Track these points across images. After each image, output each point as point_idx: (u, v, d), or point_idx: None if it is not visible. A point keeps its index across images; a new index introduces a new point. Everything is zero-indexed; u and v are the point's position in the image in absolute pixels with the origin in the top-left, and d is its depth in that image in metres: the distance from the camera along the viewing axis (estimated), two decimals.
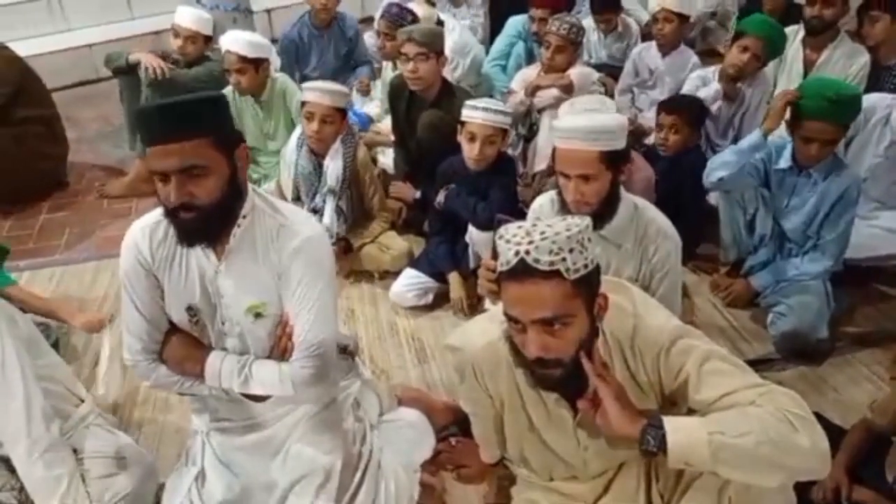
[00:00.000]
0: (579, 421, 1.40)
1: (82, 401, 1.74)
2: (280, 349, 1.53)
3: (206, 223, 1.41)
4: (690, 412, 1.30)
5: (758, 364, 2.18)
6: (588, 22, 4.03)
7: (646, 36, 4.00)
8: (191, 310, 1.53)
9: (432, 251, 2.70)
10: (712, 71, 3.10)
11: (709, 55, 4.30)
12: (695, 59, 3.55)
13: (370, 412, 1.85)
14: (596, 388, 1.28)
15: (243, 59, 2.96)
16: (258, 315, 1.52)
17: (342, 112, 2.65)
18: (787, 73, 3.23)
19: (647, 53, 3.61)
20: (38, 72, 3.45)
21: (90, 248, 3.17)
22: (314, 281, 1.51)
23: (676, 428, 1.20)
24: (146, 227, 1.50)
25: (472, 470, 1.84)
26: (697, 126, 2.82)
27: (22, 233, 3.23)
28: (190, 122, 1.34)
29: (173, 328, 1.56)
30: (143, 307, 1.51)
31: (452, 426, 2.01)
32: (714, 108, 3.00)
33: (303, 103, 2.64)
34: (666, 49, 3.52)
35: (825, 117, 2.19)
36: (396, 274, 2.74)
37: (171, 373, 1.55)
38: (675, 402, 1.35)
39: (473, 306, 2.57)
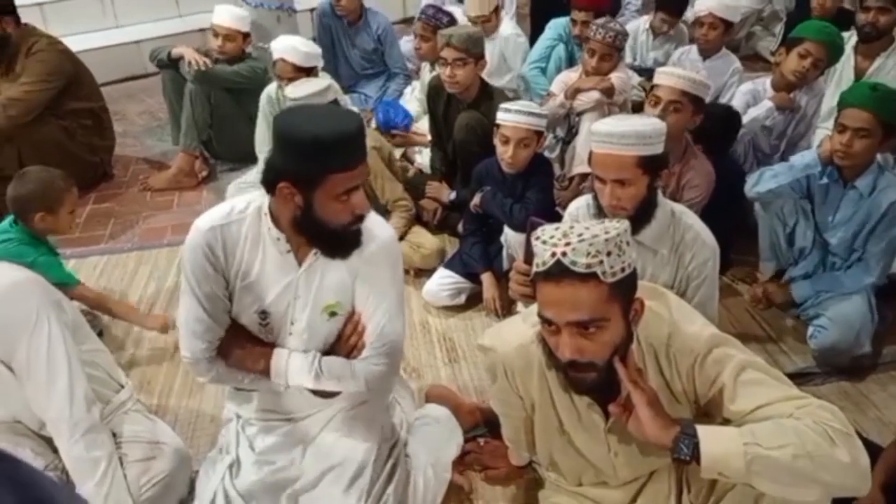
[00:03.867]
0: (611, 426, 1.39)
1: (122, 387, 1.78)
2: (349, 346, 1.56)
3: (361, 230, 1.52)
4: (725, 422, 1.28)
5: (797, 377, 2.13)
6: (634, 24, 3.99)
7: (691, 39, 3.95)
8: (263, 313, 1.56)
9: (466, 251, 2.70)
10: (762, 83, 3.01)
11: (752, 60, 4.23)
12: (737, 63, 3.48)
13: (407, 409, 1.86)
14: (629, 394, 1.27)
15: (297, 68, 2.99)
16: (333, 314, 1.56)
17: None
18: (837, 82, 3.16)
19: (686, 57, 3.55)
20: (89, 66, 3.55)
21: (133, 238, 3.25)
22: (388, 282, 1.57)
23: (710, 437, 1.18)
24: (217, 227, 1.50)
25: (501, 471, 1.84)
26: (723, 137, 2.74)
27: None
28: (366, 146, 1.46)
29: (234, 326, 1.58)
30: (208, 307, 1.52)
31: (480, 427, 2.01)
32: (767, 121, 2.92)
33: None
34: (707, 53, 3.46)
35: (862, 104, 2.12)
36: (430, 272, 2.75)
37: (230, 370, 1.57)
38: (709, 411, 1.33)
39: (506, 307, 2.57)
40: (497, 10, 3.81)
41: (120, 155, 3.92)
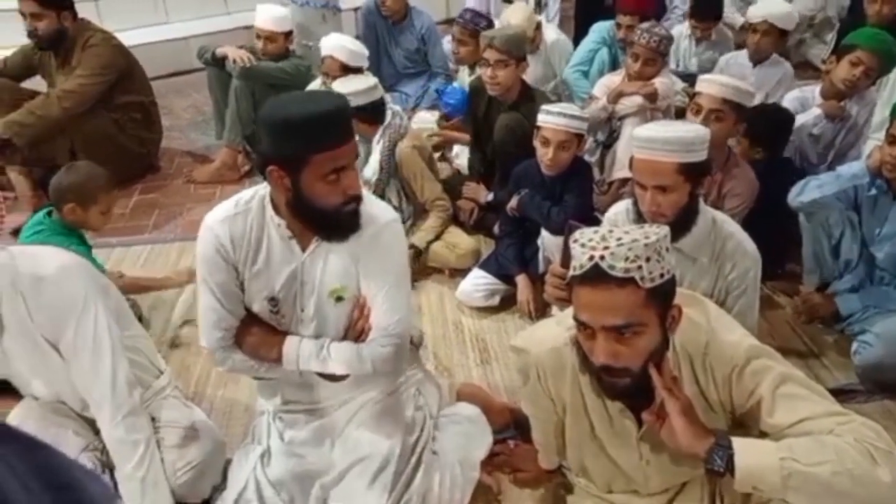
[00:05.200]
0: (643, 434, 1.37)
1: (161, 372, 1.82)
2: (357, 330, 1.59)
3: (358, 212, 1.53)
4: (762, 435, 1.25)
5: (838, 394, 2.06)
6: (678, 29, 3.94)
7: (737, 44, 3.88)
8: (272, 300, 1.59)
9: (501, 253, 2.70)
10: (811, 90, 2.94)
11: (801, 68, 4.13)
12: (787, 69, 3.40)
13: (430, 403, 1.87)
14: (663, 402, 1.25)
15: (344, 66, 3.03)
16: (339, 298, 1.58)
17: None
18: (890, 92, 3.06)
19: (736, 62, 3.48)
20: (139, 61, 3.65)
21: (176, 229, 3.32)
22: (390, 265, 1.58)
23: (746, 450, 1.16)
24: (225, 220, 1.55)
25: (530, 474, 1.84)
26: (771, 142, 2.68)
27: (116, 211, 3.37)
28: (351, 120, 1.49)
29: (248, 316, 1.61)
30: (222, 297, 1.56)
31: (510, 428, 2.01)
32: (815, 130, 2.85)
33: None
34: (758, 59, 3.39)
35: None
36: (464, 273, 2.75)
37: (246, 358, 1.61)
38: (745, 423, 1.31)
39: (540, 310, 2.55)
40: (539, 27, 3.80)
41: (166, 148, 4.02)
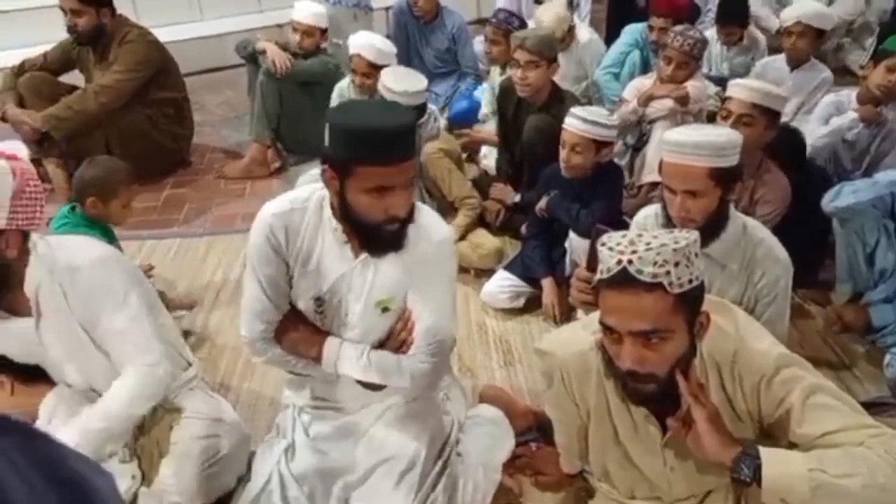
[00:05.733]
0: (668, 440, 1.36)
1: (190, 364, 1.85)
2: (398, 341, 1.59)
3: (406, 230, 1.52)
4: (790, 446, 1.23)
5: (870, 407, 2.02)
6: (711, 33, 3.89)
7: (773, 48, 3.81)
8: (318, 300, 1.59)
9: (528, 255, 2.69)
10: (847, 95, 2.88)
11: (840, 73, 4.05)
12: (826, 74, 3.32)
13: (457, 408, 1.87)
14: (689, 409, 1.24)
15: (371, 64, 3.06)
16: (385, 309, 1.59)
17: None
18: None
19: (772, 67, 3.42)
20: (174, 57, 3.70)
21: (206, 223, 3.37)
22: (440, 282, 1.58)
23: (774, 460, 1.14)
24: (281, 214, 1.55)
25: (551, 478, 1.83)
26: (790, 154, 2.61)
27: (148, 204, 3.47)
28: (414, 141, 1.46)
29: (292, 312, 1.62)
30: (269, 289, 1.57)
31: (532, 431, 2.00)
32: (850, 135, 2.80)
33: None
34: (795, 63, 3.33)
35: None
36: (490, 274, 2.75)
37: (285, 353, 1.62)
38: (773, 433, 1.29)
39: (565, 314, 2.54)
40: (571, 29, 3.78)
41: (197, 143, 4.07)
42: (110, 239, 2.40)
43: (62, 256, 1.53)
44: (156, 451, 1.67)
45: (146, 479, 1.66)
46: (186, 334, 2.43)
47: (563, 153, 2.44)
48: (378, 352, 1.58)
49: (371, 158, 1.38)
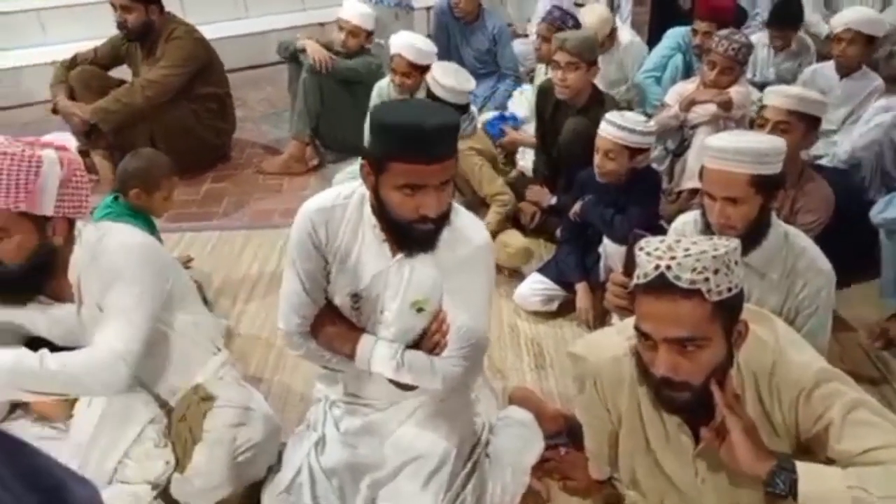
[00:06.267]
0: (700, 451, 1.34)
1: (219, 350, 1.88)
2: (431, 343, 1.59)
3: (440, 229, 1.50)
4: (829, 462, 1.20)
5: None
6: (757, 37, 3.81)
7: (822, 55, 3.72)
8: (355, 296, 1.60)
9: (562, 259, 2.67)
10: None
11: (892, 82, 3.92)
12: (878, 83, 3.22)
13: (488, 409, 1.87)
14: (724, 419, 1.22)
15: (412, 64, 3.07)
16: (420, 310, 1.59)
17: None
18: None
19: (821, 74, 3.33)
20: (218, 53, 3.78)
21: (244, 217, 3.43)
22: (476, 286, 1.58)
23: (811, 475, 1.12)
24: (323, 210, 1.57)
25: (579, 483, 1.82)
26: None
27: (188, 197, 3.55)
28: (454, 143, 1.43)
29: (328, 307, 1.64)
30: (307, 283, 1.59)
31: (561, 435, 1.98)
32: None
33: None
34: (845, 71, 3.24)
35: None
36: (522, 275, 2.74)
37: (320, 348, 1.64)
38: (811, 448, 1.25)
39: (599, 319, 2.52)
40: (613, 32, 3.74)
41: (238, 138, 4.14)
42: (152, 229, 2.46)
43: (103, 242, 1.57)
44: (189, 438, 1.69)
45: (179, 464, 1.69)
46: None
47: (596, 158, 2.42)
48: (411, 352, 1.58)
49: (404, 155, 1.37)
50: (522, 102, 3.90)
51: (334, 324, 1.62)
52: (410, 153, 1.36)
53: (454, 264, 1.56)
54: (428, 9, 5.32)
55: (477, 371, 1.63)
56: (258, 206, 3.52)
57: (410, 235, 1.48)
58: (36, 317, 1.60)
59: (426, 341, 1.60)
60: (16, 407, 1.73)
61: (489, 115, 3.81)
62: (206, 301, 2.58)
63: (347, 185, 1.62)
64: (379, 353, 1.58)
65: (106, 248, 1.57)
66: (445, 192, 1.44)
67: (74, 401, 1.66)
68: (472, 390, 1.84)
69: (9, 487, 0.52)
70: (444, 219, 1.49)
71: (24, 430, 1.70)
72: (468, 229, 1.59)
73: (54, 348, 1.55)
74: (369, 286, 1.59)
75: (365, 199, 1.57)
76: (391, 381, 1.60)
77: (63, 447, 1.64)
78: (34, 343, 1.55)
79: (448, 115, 1.44)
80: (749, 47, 3.00)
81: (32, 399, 1.57)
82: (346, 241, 1.57)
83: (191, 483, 1.68)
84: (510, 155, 3.57)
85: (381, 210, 1.48)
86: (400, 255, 1.56)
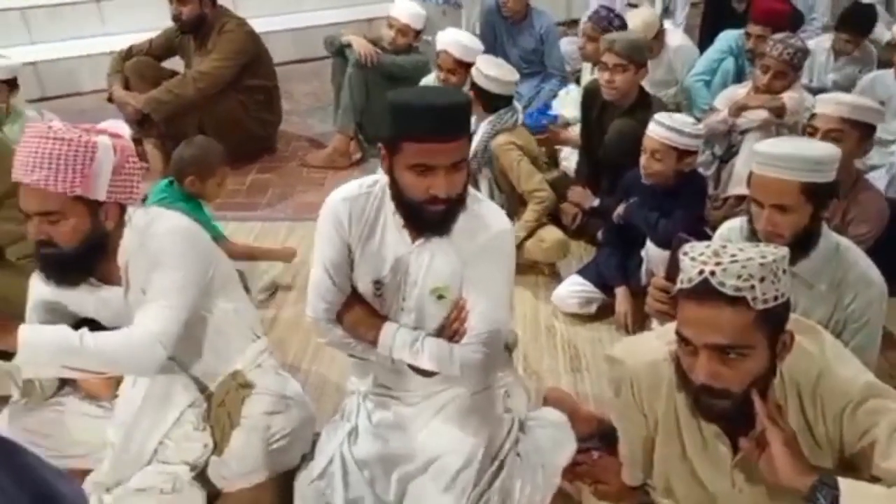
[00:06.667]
0: (738, 461, 1.31)
1: (259, 337, 1.91)
2: (451, 331, 1.60)
3: (453, 213, 1.53)
4: (873, 480, 1.17)
5: None
6: (815, 42, 3.70)
7: (882, 62, 3.59)
8: (377, 283, 1.63)
9: (603, 262, 2.64)
10: None
11: None
12: None
13: (518, 407, 1.86)
14: (764, 430, 1.19)
15: (458, 61, 3.08)
16: (440, 297, 1.60)
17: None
18: None
19: (881, 82, 3.22)
20: (267, 46, 3.85)
21: (287, 209, 3.48)
22: (496, 273, 1.58)
23: (854, 492, 1.09)
24: (348, 199, 1.61)
25: (611, 488, 1.79)
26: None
27: (234, 187, 3.61)
28: (466, 122, 1.47)
29: (354, 295, 1.67)
30: (332, 271, 1.62)
31: (594, 438, 1.96)
32: None
33: None
34: None
35: None
36: (559, 276, 2.72)
37: (346, 335, 1.66)
38: (855, 464, 1.22)
39: (638, 324, 2.48)
40: (659, 35, 3.68)
41: (283, 131, 4.21)
42: (204, 215, 2.53)
43: (154, 228, 1.61)
44: (227, 423, 1.73)
45: (217, 448, 1.73)
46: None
47: (643, 159, 2.40)
48: (431, 339, 1.60)
49: (414, 134, 1.41)
50: (568, 103, 3.86)
51: (359, 311, 1.65)
52: (420, 132, 1.40)
53: (474, 251, 1.57)
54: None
55: (497, 359, 1.63)
56: (301, 198, 3.57)
57: (423, 217, 1.51)
58: (85, 298, 1.66)
59: (446, 329, 1.61)
60: (64, 384, 1.79)
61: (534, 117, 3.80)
62: (247, 290, 2.64)
63: (373, 176, 1.65)
64: (399, 340, 1.60)
65: (153, 233, 1.61)
66: (458, 174, 1.47)
67: (120, 381, 1.70)
68: (502, 386, 1.84)
69: (3, 488, 0.53)
70: (457, 202, 1.51)
71: (72, 406, 1.76)
72: (488, 216, 1.59)
73: (103, 330, 1.60)
74: (390, 273, 1.61)
75: (387, 188, 1.59)
76: (412, 367, 1.62)
77: (108, 425, 1.69)
78: (84, 324, 1.60)
79: (458, 95, 1.49)
80: (805, 52, 2.92)
81: (75, 376, 1.62)
82: (369, 229, 1.61)
83: (227, 466, 1.71)
84: (553, 155, 3.54)
85: (395, 192, 1.52)
86: (420, 241, 1.58)
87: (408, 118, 1.42)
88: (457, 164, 1.45)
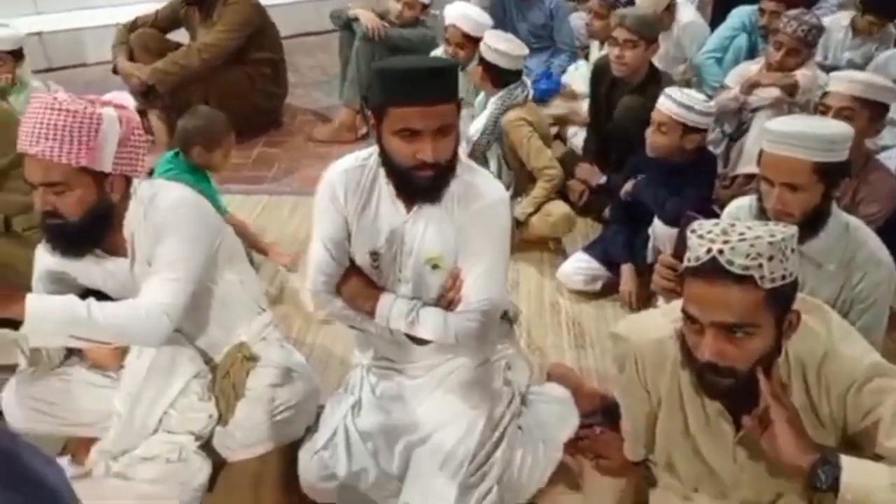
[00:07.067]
0: (741, 438, 1.31)
1: (263, 310, 1.92)
2: (447, 300, 1.61)
3: (442, 180, 1.53)
4: (876, 459, 1.17)
5: None
6: (831, 19, 3.63)
7: None
8: (374, 254, 1.64)
9: (609, 239, 2.63)
10: None
11: None
12: None
13: (519, 379, 1.87)
14: (767, 408, 1.19)
15: (466, 36, 3.05)
16: (435, 266, 1.61)
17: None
18: None
19: (894, 62, 3.17)
20: (273, 19, 3.81)
21: (292, 183, 3.48)
22: (490, 243, 1.58)
23: (855, 469, 1.09)
24: (343, 172, 1.63)
25: (613, 463, 1.80)
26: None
27: (239, 161, 3.60)
28: (451, 87, 1.47)
29: (352, 267, 1.67)
30: (330, 244, 1.63)
31: (597, 414, 1.97)
32: None
33: None
34: None
35: None
36: (564, 253, 2.71)
37: (345, 306, 1.67)
38: (858, 443, 1.22)
39: (642, 302, 2.48)
40: (671, 7, 3.62)
41: (289, 104, 4.18)
42: (209, 186, 2.52)
43: (155, 199, 1.61)
44: (232, 394, 1.75)
45: (222, 419, 1.74)
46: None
47: (649, 131, 2.38)
48: (427, 308, 1.61)
49: (399, 98, 1.42)
50: (578, 78, 3.82)
51: (357, 283, 1.66)
52: (403, 96, 1.42)
53: (467, 220, 1.57)
54: None
55: (492, 328, 1.63)
56: (307, 172, 3.56)
57: (412, 184, 1.52)
58: (92, 269, 1.66)
59: (442, 299, 1.62)
60: (72, 354, 1.80)
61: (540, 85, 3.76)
62: (252, 263, 2.64)
63: (369, 148, 1.65)
64: (396, 310, 1.61)
65: (158, 205, 1.61)
66: (445, 139, 1.47)
67: (126, 351, 1.71)
68: (503, 358, 1.84)
69: None
70: (446, 169, 1.51)
71: (79, 375, 1.77)
72: (482, 185, 1.59)
73: (110, 301, 1.60)
74: (386, 244, 1.62)
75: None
76: (409, 336, 1.63)
77: (114, 395, 1.70)
78: (91, 295, 1.60)
79: (442, 60, 1.50)
80: (819, 29, 2.87)
81: (81, 345, 1.63)
82: (364, 200, 1.61)
83: (232, 437, 1.74)
84: (562, 127, 3.52)
85: (385, 160, 1.53)
86: (414, 211, 1.58)
87: (391, 83, 1.43)
88: (443, 128, 1.46)
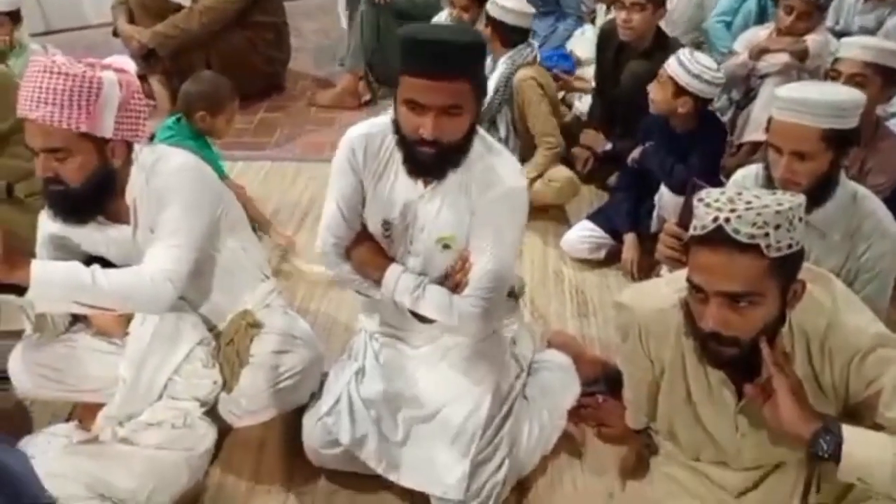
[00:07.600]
0: (743, 407, 1.32)
1: (267, 277, 1.92)
2: (453, 282, 1.60)
3: (446, 159, 1.50)
4: (876, 428, 1.17)
5: None
6: None
7: None
8: (386, 224, 1.63)
9: (614, 207, 2.62)
10: None
11: None
12: None
13: (525, 353, 1.88)
14: (770, 377, 1.20)
15: None
16: (446, 246, 1.60)
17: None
18: None
19: None
20: None
21: (295, 149, 3.45)
22: (505, 229, 1.57)
23: (856, 439, 1.10)
24: (365, 135, 1.60)
25: (615, 431, 1.83)
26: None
27: (241, 126, 3.56)
28: (464, 63, 1.42)
29: (364, 233, 1.67)
30: (344, 205, 1.62)
31: (599, 382, 1.98)
32: None
33: None
34: None
35: None
36: (567, 221, 2.69)
37: (352, 271, 1.67)
38: (859, 413, 1.23)
39: (644, 271, 2.48)
40: None
41: (291, 69, 4.13)
42: (211, 152, 2.50)
43: (157, 165, 1.60)
44: (236, 361, 1.76)
45: (227, 385, 1.76)
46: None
47: (652, 85, 2.36)
48: (433, 286, 1.60)
49: (409, 67, 1.40)
50: (583, 43, 3.75)
51: (367, 249, 1.65)
52: (413, 65, 1.40)
53: (484, 205, 1.55)
54: None
55: (496, 314, 1.63)
56: (310, 138, 3.53)
57: (415, 157, 1.50)
58: (95, 236, 1.66)
59: (448, 279, 1.61)
60: (77, 320, 1.81)
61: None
62: (255, 230, 2.63)
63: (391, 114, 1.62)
64: (403, 284, 1.60)
65: (160, 171, 1.59)
66: (449, 119, 1.43)
67: (131, 318, 1.72)
68: (509, 332, 1.85)
69: None
70: (449, 150, 1.48)
71: (84, 342, 1.78)
72: (503, 169, 1.57)
73: (114, 268, 1.60)
74: (399, 216, 1.61)
75: None
76: (412, 312, 1.63)
77: (120, 361, 1.71)
78: (95, 262, 1.60)
79: (464, 35, 1.46)
80: None
81: (86, 312, 1.63)
82: (383, 167, 1.60)
83: (237, 403, 1.75)
84: (567, 92, 3.47)
85: (396, 128, 1.51)
86: (431, 186, 1.56)
87: (406, 50, 1.41)
88: (449, 108, 1.41)
